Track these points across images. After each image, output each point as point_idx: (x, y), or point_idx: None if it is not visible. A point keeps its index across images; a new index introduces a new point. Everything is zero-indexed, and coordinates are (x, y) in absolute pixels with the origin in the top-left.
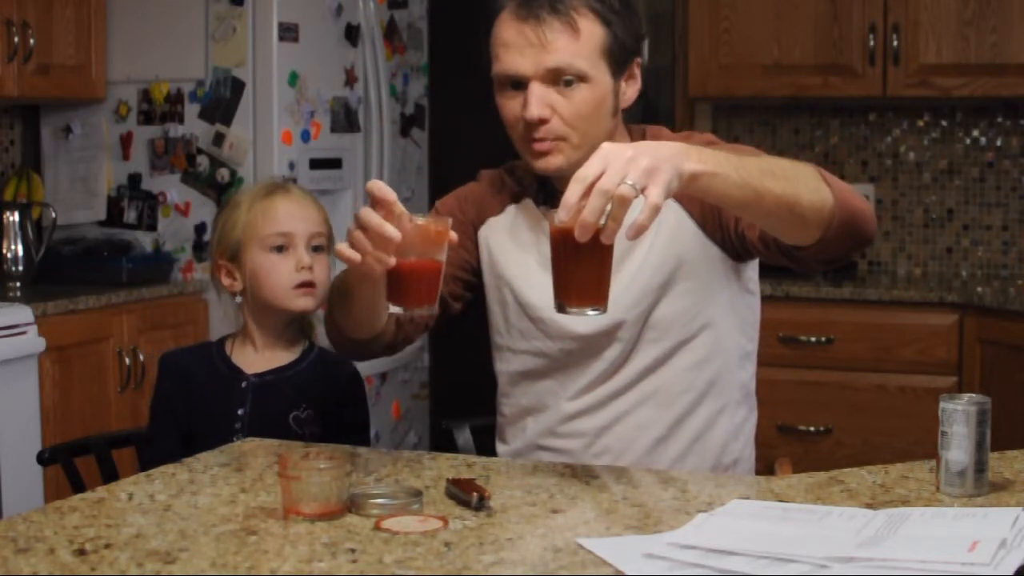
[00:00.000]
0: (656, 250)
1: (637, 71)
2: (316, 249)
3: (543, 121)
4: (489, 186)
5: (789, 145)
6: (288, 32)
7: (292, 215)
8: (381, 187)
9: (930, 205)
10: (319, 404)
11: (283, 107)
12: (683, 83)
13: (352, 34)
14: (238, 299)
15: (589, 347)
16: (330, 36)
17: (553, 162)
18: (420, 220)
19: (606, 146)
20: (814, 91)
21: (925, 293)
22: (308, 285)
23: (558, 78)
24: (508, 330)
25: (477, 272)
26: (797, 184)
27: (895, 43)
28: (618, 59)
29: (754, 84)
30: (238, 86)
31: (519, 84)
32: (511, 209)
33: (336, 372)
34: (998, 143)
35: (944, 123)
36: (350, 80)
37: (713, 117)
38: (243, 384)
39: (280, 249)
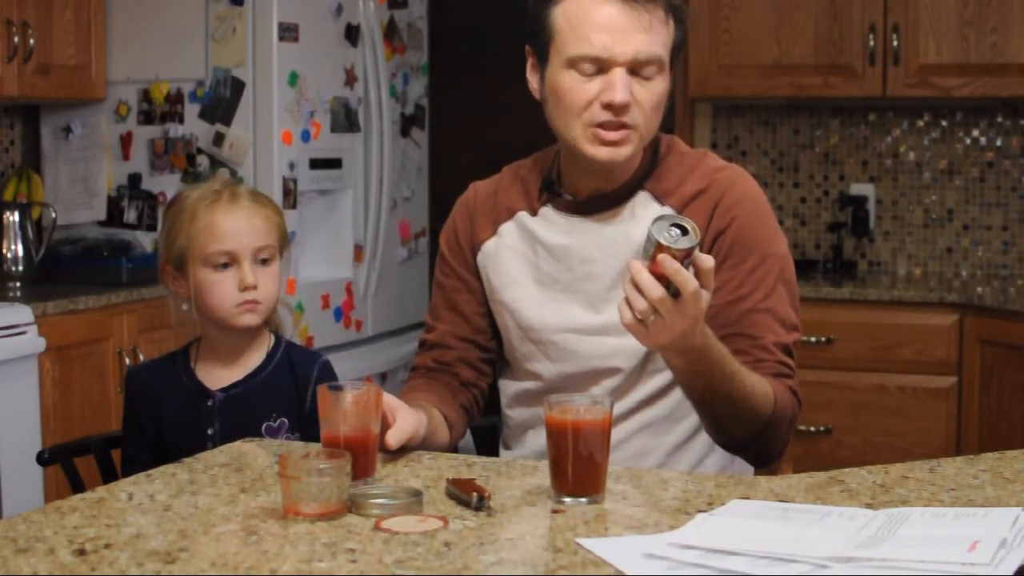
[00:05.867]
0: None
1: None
2: (263, 262)
3: (625, 108)
4: (481, 204)
5: (789, 145)
6: (288, 32)
7: (236, 231)
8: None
9: (930, 205)
10: (292, 408)
11: (283, 107)
12: (683, 83)
13: (352, 34)
14: (185, 306)
15: (590, 374)
16: (330, 36)
17: (622, 152)
18: (352, 392)
19: None
20: (814, 91)
21: (925, 293)
22: (252, 302)
23: (640, 68)
24: (512, 352)
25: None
26: (739, 414)
27: (895, 43)
28: (674, 58)
29: (754, 84)
30: (238, 86)
31: (598, 68)
32: (504, 229)
33: (305, 366)
34: (998, 143)
35: (944, 123)
36: (350, 80)
37: (713, 117)
38: (209, 403)
39: (225, 265)
